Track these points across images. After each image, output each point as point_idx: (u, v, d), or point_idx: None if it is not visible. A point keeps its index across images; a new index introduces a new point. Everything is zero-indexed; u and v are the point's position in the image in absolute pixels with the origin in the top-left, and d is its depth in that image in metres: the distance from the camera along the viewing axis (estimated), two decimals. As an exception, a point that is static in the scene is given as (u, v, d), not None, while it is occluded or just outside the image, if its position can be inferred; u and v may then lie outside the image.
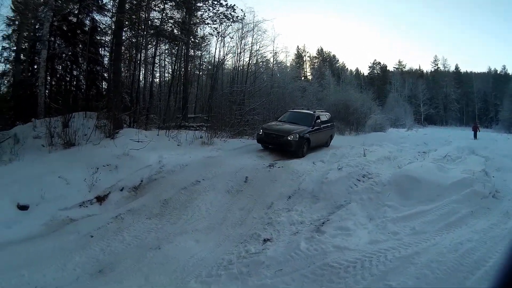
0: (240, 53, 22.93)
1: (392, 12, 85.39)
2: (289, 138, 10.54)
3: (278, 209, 6.28)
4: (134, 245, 5.30)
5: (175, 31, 14.89)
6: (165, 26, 14.37)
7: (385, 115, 31.12)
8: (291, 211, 6.08)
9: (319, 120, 12.20)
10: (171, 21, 15.62)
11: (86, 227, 5.89)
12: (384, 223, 5.26)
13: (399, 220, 5.35)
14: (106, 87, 15.30)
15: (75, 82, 15.43)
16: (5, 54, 17.01)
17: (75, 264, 4.75)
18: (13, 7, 15.76)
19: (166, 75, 23.22)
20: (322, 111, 13.78)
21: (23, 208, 6.50)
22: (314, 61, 55.56)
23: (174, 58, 19.70)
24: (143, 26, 13.80)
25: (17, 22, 15.34)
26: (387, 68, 60.59)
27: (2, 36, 17.77)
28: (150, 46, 17.62)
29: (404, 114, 40.11)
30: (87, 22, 14.39)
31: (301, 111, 13.32)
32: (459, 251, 4.15)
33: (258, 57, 24.35)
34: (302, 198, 6.68)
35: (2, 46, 17.36)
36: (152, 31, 13.92)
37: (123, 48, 16.29)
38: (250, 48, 23.08)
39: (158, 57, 20.64)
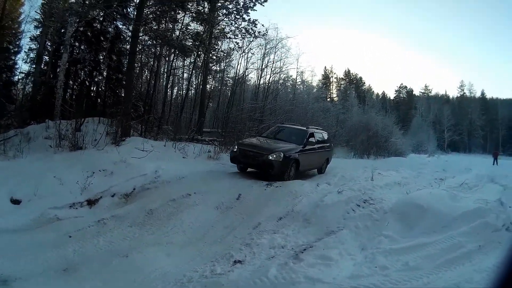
0: (263, 69, 23.07)
1: (420, 35, 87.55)
2: (270, 158, 8.77)
3: (264, 230, 5.89)
4: (105, 250, 5.29)
5: (185, 42, 14.96)
6: (176, 37, 14.46)
7: (406, 139, 30.34)
8: (276, 234, 5.67)
9: (313, 139, 10.45)
10: (187, 33, 15.81)
11: (67, 227, 6.01)
12: (374, 255, 4.69)
13: (393, 253, 4.75)
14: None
15: (95, 88, 15.89)
16: (31, 55, 17.88)
17: (45, 260, 4.89)
18: (41, 9, 16.54)
19: (191, 88, 23.52)
20: (317, 128, 11.95)
21: (15, 202, 6.82)
22: (341, 82, 55.22)
23: (193, 71, 20.12)
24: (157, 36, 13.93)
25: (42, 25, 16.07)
26: (413, 93, 60.51)
27: (29, 37, 18.70)
28: (174, 57, 17.97)
29: (427, 140, 39.26)
30: (111, 29, 14.80)
31: (291, 126, 11.69)
32: (452, 295, 3.50)
33: (282, 74, 24.43)
34: (293, 221, 6.23)
35: (30, 47, 18.25)
36: (159, 41, 14.00)
37: (144, 58, 16.80)
38: (272, 65, 23.21)
39: (181, 69, 21.05)
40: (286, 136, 10.41)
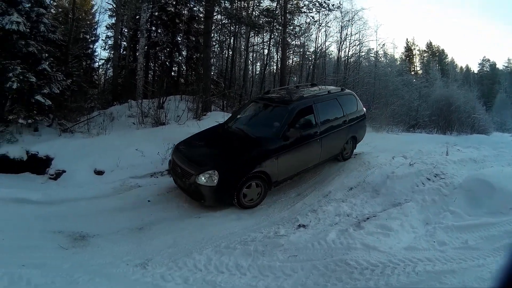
0: (342, 42, 22.97)
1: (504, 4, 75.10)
2: (198, 180, 5.43)
3: (333, 198, 6.05)
4: (181, 212, 5.83)
5: (258, 19, 15.17)
6: (246, 14, 14.72)
7: (489, 116, 27.88)
8: (344, 202, 5.80)
9: (309, 117, 6.66)
10: (257, 10, 16.07)
11: (147, 193, 6.61)
12: (435, 230, 4.59)
13: (455, 230, 4.56)
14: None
15: (176, 68, 16.95)
16: (109, 42, 19.54)
17: (122, 220, 5.54)
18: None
19: (272, 63, 24.11)
20: (326, 93, 7.34)
21: (99, 173, 7.65)
22: (424, 55, 51.64)
23: (272, 46, 20.59)
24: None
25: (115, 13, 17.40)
26: (496, 66, 54.14)
27: (105, 26, 20.36)
28: (252, 34, 18.51)
29: (511, 118, 35.24)
30: (185, 12, 15.58)
31: (271, 98, 7.26)
32: (505, 280, 3.38)
33: (362, 47, 24.13)
34: (363, 191, 6.27)
35: (106, 35, 19.95)
36: (232, 20, 14.39)
37: (221, 36, 17.45)
38: (350, 38, 23.09)
39: (260, 45, 21.62)
40: (258, 120, 6.94)
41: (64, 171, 7.67)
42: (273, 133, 6.06)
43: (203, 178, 5.40)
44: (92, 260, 4.31)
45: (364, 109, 8.39)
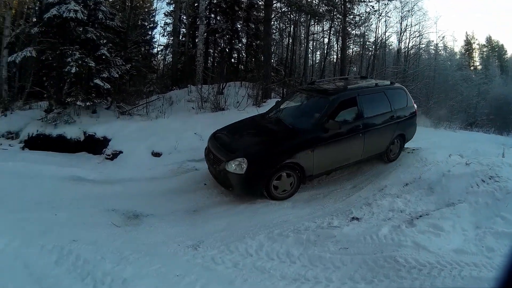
0: (402, 33, 22.60)
1: None
2: (228, 168, 5.49)
3: (388, 193, 5.97)
4: (235, 197, 5.97)
5: (319, 7, 15.11)
6: (306, 2, 14.68)
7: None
8: (399, 198, 5.71)
9: (353, 110, 6.34)
10: None
11: (204, 176, 6.73)
12: (484, 234, 4.48)
13: (504, 236, 4.39)
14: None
15: (236, 55, 17.35)
16: (168, 28, 20.29)
17: (178, 202, 5.80)
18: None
19: (332, 52, 24.29)
20: (372, 85, 6.97)
21: (156, 155, 7.94)
22: (483, 49, 48.40)
23: (332, 36, 20.70)
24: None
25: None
26: None
27: (164, 13, 21.08)
28: (312, 22, 18.58)
29: None
30: (244, -1, 15.86)
31: (315, 88, 7.01)
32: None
33: (422, 38, 23.50)
34: (418, 188, 6.10)
35: (165, 22, 20.69)
36: (292, 7, 14.43)
37: (282, 24, 17.57)
38: (410, 29, 22.70)
39: (320, 34, 21.72)
40: (299, 110, 6.68)
41: (121, 152, 8.03)
42: (311, 124, 5.91)
43: (232, 165, 5.44)
44: (144, 239, 4.52)
45: (415, 105, 7.81)
